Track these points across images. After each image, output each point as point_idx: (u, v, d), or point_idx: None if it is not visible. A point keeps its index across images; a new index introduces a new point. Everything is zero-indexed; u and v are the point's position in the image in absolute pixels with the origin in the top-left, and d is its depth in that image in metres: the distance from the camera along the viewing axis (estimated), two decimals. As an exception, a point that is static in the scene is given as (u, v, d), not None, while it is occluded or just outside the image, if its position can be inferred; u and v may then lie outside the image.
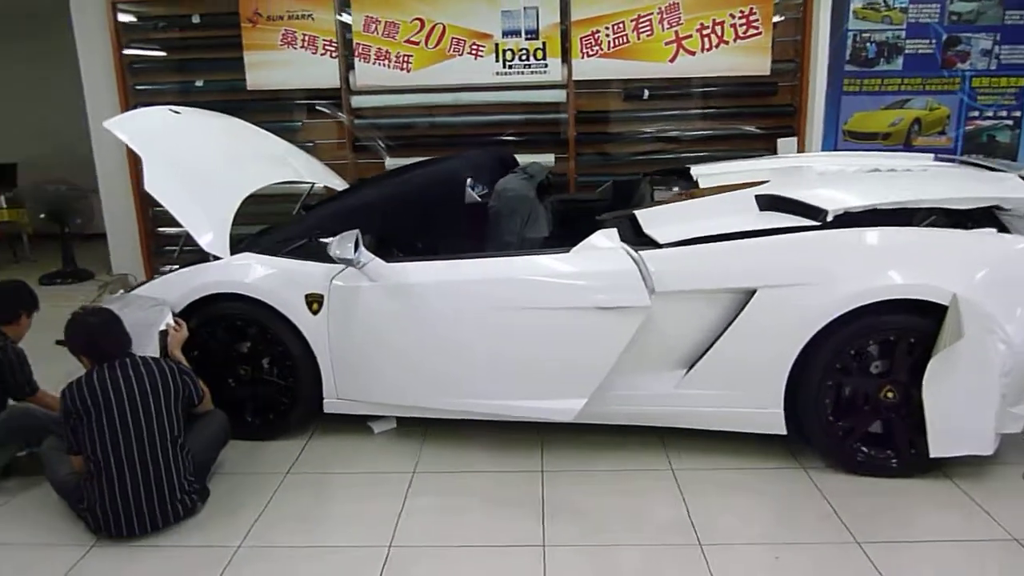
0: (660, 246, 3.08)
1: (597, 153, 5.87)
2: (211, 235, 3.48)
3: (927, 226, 3.15)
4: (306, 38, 5.64)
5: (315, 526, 2.89)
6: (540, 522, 2.83)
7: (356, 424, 3.59)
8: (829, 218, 2.98)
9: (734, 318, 3.02)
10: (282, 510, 2.98)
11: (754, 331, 3.01)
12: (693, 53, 5.53)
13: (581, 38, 5.52)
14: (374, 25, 5.57)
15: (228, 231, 3.56)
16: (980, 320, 2.79)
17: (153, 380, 2.78)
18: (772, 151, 5.53)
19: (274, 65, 5.69)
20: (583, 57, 5.56)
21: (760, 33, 5.44)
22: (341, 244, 3.05)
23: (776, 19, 5.42)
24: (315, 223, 3.55)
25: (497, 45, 5.57)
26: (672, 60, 5.55)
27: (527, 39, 5.56)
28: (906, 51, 5.41)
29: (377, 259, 3.20)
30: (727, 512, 2.87)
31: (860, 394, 3.05)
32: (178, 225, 3.58)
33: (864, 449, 3.08)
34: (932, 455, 2.94)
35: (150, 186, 3.45)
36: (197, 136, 4.02)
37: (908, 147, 5.55)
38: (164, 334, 3.23)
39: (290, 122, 5.87)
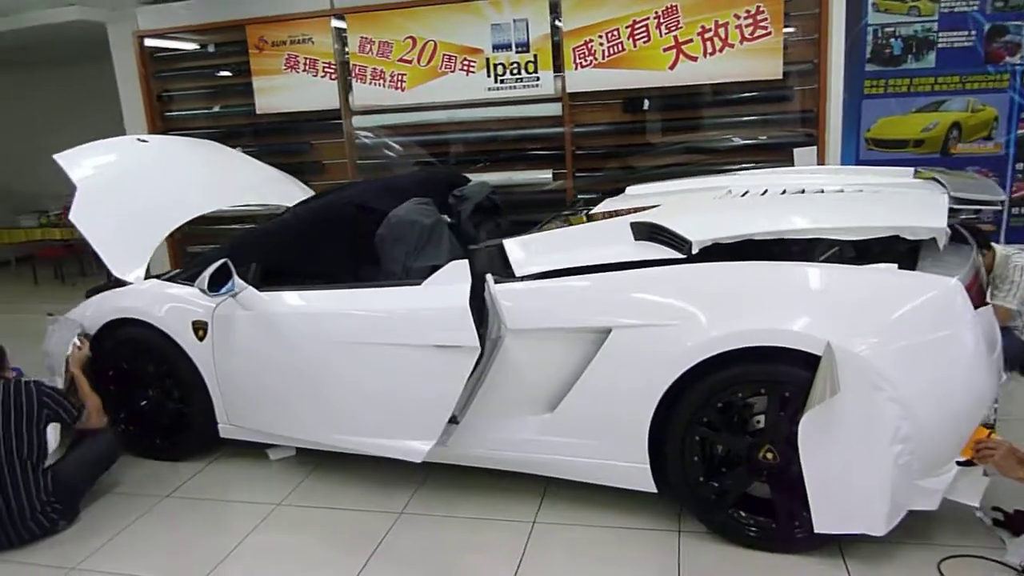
0: (517, 279, 2.85)
1: (595, 169, 5.56)
2: (123, 262, 3.61)
3: (826, 259, 2.70)
4: (307, 61, 5.77)
5: (149, 552, 2.91)
6: (359, 568, 2.69)
7: (259, 450, 3.59)
8: (694, 250, 2.62)
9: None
10: (134, 534, 3.03)
11: (610, 376, 2.70)
12: (695, 59, 5.11)
13: (574, 48, 5.26)
14: (368, 45, 5.61)
15: (146, 259, 3.69)
16: (862, 374, 2.35)
17: (7, 403, 2.92)
18: (790, 162, 5.07)
19: (279, 90, 5.87)
20: (576, 68, 5.30)
21: (769, 33, 4.94)
22: (205, 274, 3.06)
23: (789, 17, 4.90)
24: (227, 249, 3.60)
25: (488, 60, 5.42)
26: (672, 67, 5.16)
27: (518, 52, 5.37)
28: (939, 45, 4.71)
29: (250, 288, 3.19)
30: (557, 576, 2.60)
31: (735, 453, 2.66)
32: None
33: (743, 517, 2.68)
34: (816, 530, 2.50)
35: (73, 216, 3.64)
36: (149, 166, 4.17)
37: (945, 156, 4.83)
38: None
39: (298, 144, 6.03)
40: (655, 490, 2.77)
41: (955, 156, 4.82)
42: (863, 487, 2.42)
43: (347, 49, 5.64)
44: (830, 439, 2.41)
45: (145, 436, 3.63)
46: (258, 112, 5.95)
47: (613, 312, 2.69)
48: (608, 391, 2.72)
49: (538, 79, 5.39)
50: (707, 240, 2.62)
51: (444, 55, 5.50)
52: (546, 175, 5.56)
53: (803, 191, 3.13)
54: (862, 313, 2.44)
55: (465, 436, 3.00)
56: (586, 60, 5.28)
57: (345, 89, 5.74)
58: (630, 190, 3.85)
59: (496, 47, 5.39)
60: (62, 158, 3.88)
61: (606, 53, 5.24)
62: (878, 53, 4.81)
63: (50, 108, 9.31)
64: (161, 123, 6.25)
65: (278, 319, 3.15)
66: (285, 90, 5.85)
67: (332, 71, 5.72)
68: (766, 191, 3.18)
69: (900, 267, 2.49)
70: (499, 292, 2.83)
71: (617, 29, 5.18)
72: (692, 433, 2.65)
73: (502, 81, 5.45)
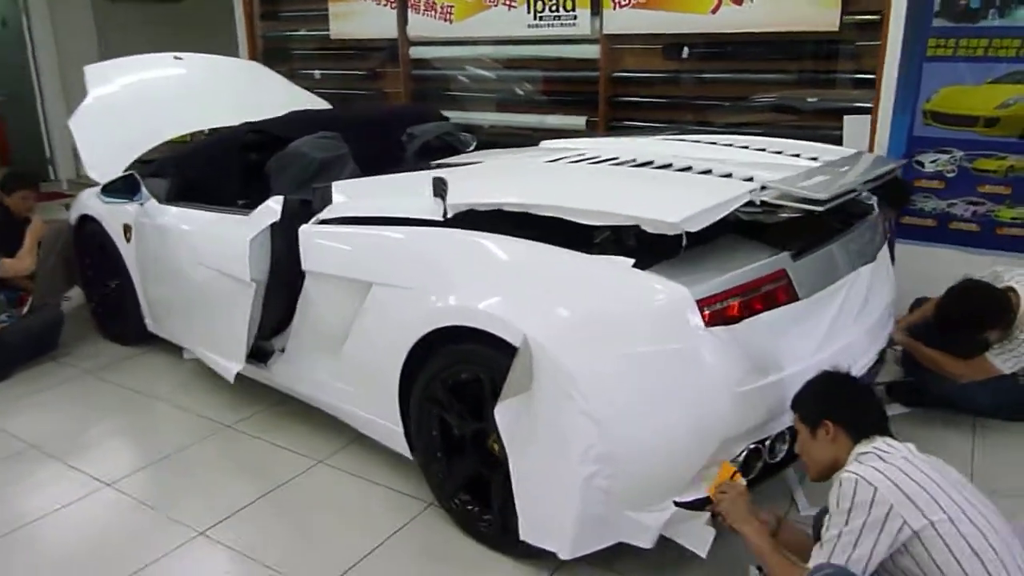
0: (319, 222, 2.84)
1: (629, 119, 5.14)
2: (99, 165, 4.06)
3: (600, 242, 2.36)
4: (372, -11, 5.90)
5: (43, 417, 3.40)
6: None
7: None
8: (449, 213, 2.43)
9: None
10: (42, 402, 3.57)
11: (368, 332, 2.65)
12: (739, 2, 4.47)
13: (613, -15, 4.84)
14: (423, -25, 5.59)
15: (123, 165, 4.12)
16: (555, 378, 2.08)
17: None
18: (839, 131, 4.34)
19: (350, 16, 6.06)
20: (615, 7, 4.88)
21: (826, -26, 4.17)
22: (114, 183, 3.42)
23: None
24: (159, 162, 3.91)
25: (529, -6, 5.17)
26: (715, 11, 4.56)
27: (557, -13, 5.06)
28: (1034, -2, 3.68)
29: (152, 200, 3.49)
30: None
31: (464, 436, 2.49)
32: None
33: (472, 506, 2.52)
34: (522, 536, 2.30)
35: (72, 122, 4.14)
36: (168, 82, 4.57)
37: (1025, 140, 3.84)
38: None
39: (364, 72, 6.24)
40: (410, 456, 2.69)
41: (1039, 142, 3.81)
42: (552, 502, 2.17)
43: (406, -22, 5.68)
44: (529, 440, 2.18)
45: (107, 319, 4.18)
46: (332, 38, 6.23)
47: (371, 268, 2.61)
48: (368, 347, 2.67)
49: (575, 17, 5.04)
50: (461, 205, 2.41)
51: (489, -12, 5.33)
52: (579, 121, 5.25)
53: (649, 164, 2.72)
54: (571, 307, 2.15)
55: (284, 367, 3.10)
56: (625, -1, 4.84)
57: (402, 19, 5.80)
58: (544, 143, 3.57)
59: (537, -20, 5.11)
60: (91, 70, 4.40)
61: (646, -9, 4.76)
62: (950, 4, 3.87)
63: (165, 40, 10.11)
64: (262, 44, 6.78)
65: (165, 232, 3.44)
66: (354, 16, 6.04)
67: (392, 0, 5.80)
68: (626, 161, 2.81)
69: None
70: (303, 233, 2.84)
71: (658, -37, 4.67)
72: (427, 407, 2.52)
73: (540, 18, 5.17)
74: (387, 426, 2.70)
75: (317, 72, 6.55)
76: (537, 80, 5.44)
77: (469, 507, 2.52)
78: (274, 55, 6.78)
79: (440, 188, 2.58)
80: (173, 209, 3.47)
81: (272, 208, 2.94)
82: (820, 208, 2.13)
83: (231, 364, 3.12)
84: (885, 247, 2.87)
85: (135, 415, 3.42)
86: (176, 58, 4.81)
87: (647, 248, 2.21)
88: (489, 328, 2.20)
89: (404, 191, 2.81)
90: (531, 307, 2.17)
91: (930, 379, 3.22)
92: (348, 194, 2.88)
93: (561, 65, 5.30)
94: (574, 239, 2.24)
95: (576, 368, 2.06)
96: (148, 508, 2.72)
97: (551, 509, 2.19)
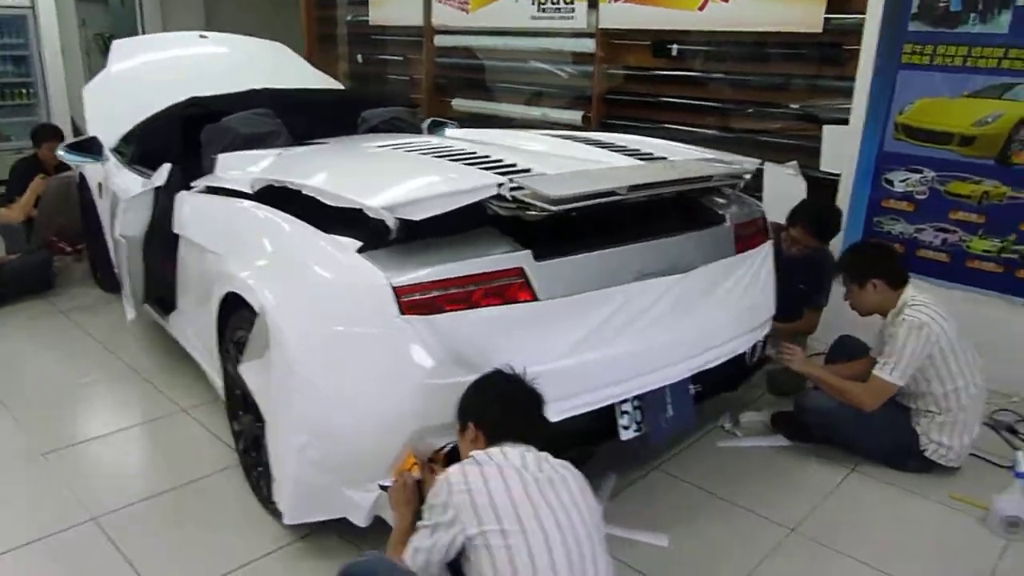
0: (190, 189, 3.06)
1: (621, 118, 5.00)
2: (99, 129, 4.49)
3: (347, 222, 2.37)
4: (404, -23, 6.08)
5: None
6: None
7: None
8: (252, 188, 2.57)
9: None
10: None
11: (198, 291, 2.89)
12: (726, -1, 4.26)
13: (609, -23, 4.73)
14: (445, -35, 5.70)
15: (120, 132, 4.52)
16: (279, 346, 2.18)
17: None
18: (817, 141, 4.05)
19: (386, 3, 6.29)
20: (610, 1, 4.77)
21: (810, -29, 3.89)
22: (79, 142, 3.81)
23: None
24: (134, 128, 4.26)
25: (534, -14, 5.16)
26: (701, 8, 4.37)
27: (558, -21, 5.01)
28: (1018, 2, 3.24)
29: (112, 162, 3.85)
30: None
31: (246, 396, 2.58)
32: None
33: (256, 463, 2.61)
34: (273, 497, 2.39)
35: (86, 89, 4.61)
36: (185, 58, 4.95)
37: (1004, 165, 3.39)
38: None
39: (393, 56, 6.45)
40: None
41: (1018, 167, 3.36)
42: (280, 466, 2.25)
43: (432, -32, 5.81)
44: (268, 404, 2.27)
45: (96, 267, 4.64)
46: (371, 23, 6.48)
47: (202, 233, 2.80)
48: (200, 307, 2.84)
49: (573, 10, 4.98)
50: (262, 180, 2.53)
51: (500, -22, 5.36)
52: (576, 116, 5.18)
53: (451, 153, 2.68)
54: (297, 281, 2.23)
55: (175, 320, 3.34)
56: (621, -7, 4.72)
57: (427, 7, 5.94)
58: (448, 131, 3.58)
59: (541, -28, 5.09)
60: (117, 44, 4.87)
61: (639, -14, 4.62)
62: (929, 7, 3.48)
63: (265, 17, 9.35)
64: (316, 27, 7.16)
65: (114, 191, 3.77)
66: (388, 4, 6.26)
67: (420, -12, 5.97)
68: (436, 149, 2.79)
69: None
70: (176, 199, 3.06)
71: (651, -43, 4.52)
72: (229, 365, 2.65)
73: (543, 10, 5.15)
74: (218, 384, 2.87)
75: (359, 56, 6.84)
76: (539, 73, 5.41)
77: (258, 467, 2.63)
78: (327, 38, 7.15)
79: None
80: (123, 171, 3.81)
81: (161, 174, 3.18)
82: (552, 208, 2.05)
83: (128, 309, 3.43)
84: (721, 263, 2.66)
85: (67, 351, 3.79)
86: (201, 36, 5.21)
87: (407, 231, 2.21)
88: (244, 294, 2.30)
89: (273, 165, 2.94)
90: (272, 277, 2.25)
91: (808, 412, 2.95)
92: (227, 166, 3.06)
93: (560, 59, 5.26)
94: (347, 219, 2.29)
95: (292, 340, 2.11)
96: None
97: (279, 472, 2.27)
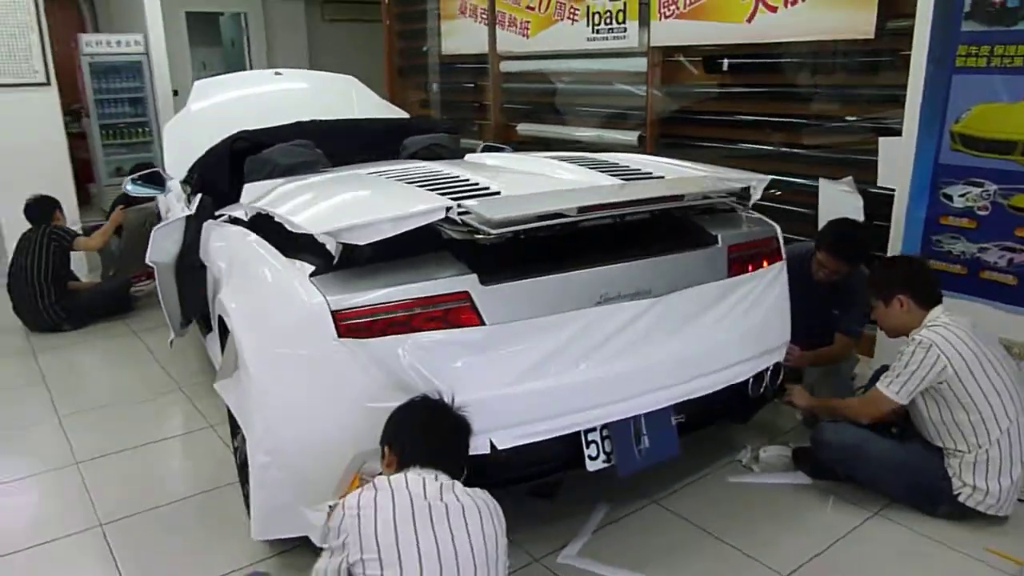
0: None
1: (676, 136, 4.85)
2: (173, 164, 4.82)
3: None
4: (470, 7, 6.19)
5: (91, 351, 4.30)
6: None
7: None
8: (246, 216, 2.70)
9: None
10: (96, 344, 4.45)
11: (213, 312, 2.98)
12: (774, 9, 4.06)
13: (659, -5, 4.63)
14: (508, -8, 5.78)
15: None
16: (244, 367, 2.26)
17: (39, 240, 4.51)
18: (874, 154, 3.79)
19: (455, 33, 6.44)
20: (660, 19, 4.67)
21: (861, -24, 3.65)
22: (143, 175, 4.16)
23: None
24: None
25: (588, 8, 5.12)
26: (750, 20, 4.19)
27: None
28: (1084, -6, 2.89)
29: (174, 192, 4.16)
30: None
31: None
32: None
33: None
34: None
35: (166, 127, 4.99)
36: (257, 95, 5.26)
37: (1073, 174, 3.01)
38: None
39: (465, 85, 6.58)
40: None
41: (1090, 177, 2.97)
42: (252, 481, 2.32)
43: (496, -5, 5.91)
44: (242, 423, 2.36)
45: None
46: (443, 53, 6.65)
47: (211, 258, 2.95)
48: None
49: (625, 29, 4.91)
50: (252, 208, 2.66)
51: (557, 2, 5.36)
52: (632, 137, 5.08)
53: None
54: (259, 304, 2.32)
55: (209, 341, 3.53)
56: (670, 9, 4.61)
57: (492, 34, 6.03)
58: (469, 156, 3.60)
59: (597, -7, 5.05)
60: (199, 84, 5.26)
61: (688, 1, 4.49)
62: (983, 5, 3.16)
63: (363, 55, 9.84)
64: (398, 59, 7.43)
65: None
66: (458, 33, 6.41)
67: (485, 17, 6.07)
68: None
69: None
70: (206, 226, 3.25)
71: (699, -31, 4.39)
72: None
73: (597, 31, 5.10)
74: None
75: (434, 85, 7.03)
76: (596, 95, 5.36)
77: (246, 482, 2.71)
78: (409, 69, 7.41)
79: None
80: (179, 201, 4.09)
81: (194, 205, 3.39)
82: (492, 232, 2.01)
83: (170, 332, 3.66)
84: (711, 286, 2.50)
85: (129, 368, 4.09)
86: (276, 73, 5.55)
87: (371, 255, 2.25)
88: (223, 315, 2.41)
89: (277, 193, 3.06)
90: (240, 300, 2.35)
91: (825, 447, 2.71)
92: (249, 195, 3.22)
93: (615, 79, 5.19)
94: (310, 244, 2.35)
95: (250, 359, 2.19)
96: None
97: (251, 488, 2.33)
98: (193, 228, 3.33)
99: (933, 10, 3.31)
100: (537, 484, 2.47)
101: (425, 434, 1.81)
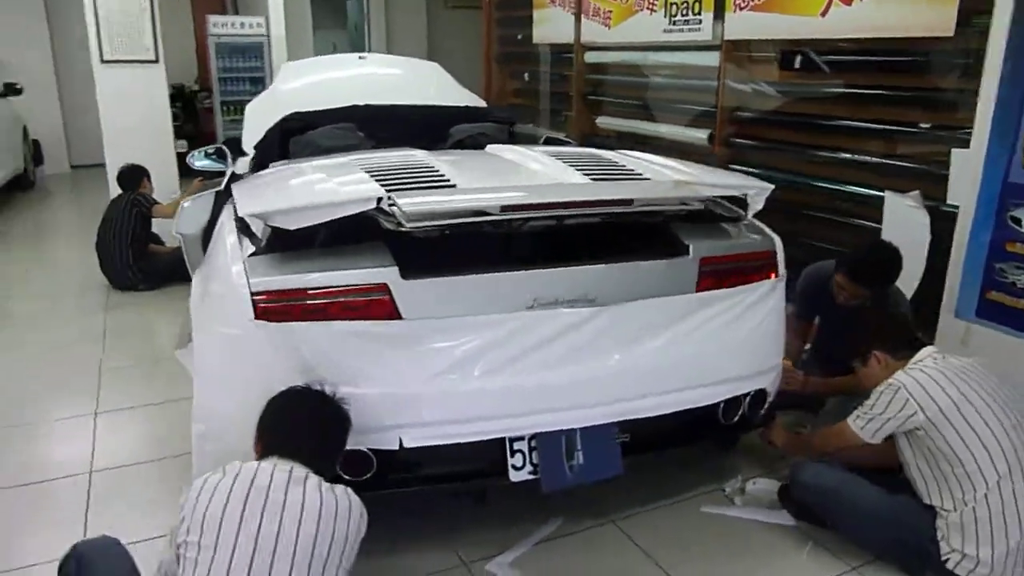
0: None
1: (749, 137, 4.55)
2: (250, 141, 5.08)
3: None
4: (560, -4, 6.10)
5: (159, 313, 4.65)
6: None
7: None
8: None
9: None
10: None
11: None
12: (849, 2, 3.70)
13: (735, -14, 4.35)
14: (593, -19, 5.62)
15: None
16: (194, 340, 2.36)
17: (122, 206, 4.91)
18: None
19: (546, 22, 6.35)
20: (735, 10, 4.38)
21: (942, -35, 3.25)
22: (206, 150, 4.42)
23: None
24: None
25: (667, -1, 4.89)
26: (824, 13, 3.85)
27: (689, -10, 4.70)
28: None
29: (233, 168, 4.39)
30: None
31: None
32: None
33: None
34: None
35: (248, 107, 5.26)
36: (341, 78, 5.44)
37: None
38: None
39: (553, 73, 6.48)
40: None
41: None
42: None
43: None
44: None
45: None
46: (534, 41, 6.58)
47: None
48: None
49: (700, 21, 4.65)
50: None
51: (638, -9, 5.17)
52: (702, 135, 4.82)
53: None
54: (208, 282, 2.38)
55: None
56: (745, 1, 4.31)
57: (578, 24, 5.89)
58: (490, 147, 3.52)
59: (674, -17, 4.81)
60: (286, 66, 5.51)
61: (763, -9, 4.19)
62: (1068, 0, 2.71)
63: (458, 47, 9.82)
64: (496, 47, 7.43)
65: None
66: (548, 22, 6.32)
67: (573, 5, 5.94)
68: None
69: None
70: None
71: (773, -43, 4.07)
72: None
73: (674, 22, 4.87)
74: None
75: (526, 74, 6.98)
76: (669, 89, 5.12)
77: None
78: (507, 57, 7.40)
79: None
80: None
81: (223, 181, 3.55)
82: (406, 225, 1.95)
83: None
84: (676, 299, 2.31)
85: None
86: (360, 57, 5.71)
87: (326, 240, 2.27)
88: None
89: (276, 174, 3.13)
90: (200, 274, 2.43)
91: (802, 488, 2.45)
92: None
93: (688, 73, 4.93)
94: None
95: (194, 333, 2.28)
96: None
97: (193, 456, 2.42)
98: (219, 204, 3.49)
99: (1013, 4, 2.89)
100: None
101: (291, 425, 1.80)
